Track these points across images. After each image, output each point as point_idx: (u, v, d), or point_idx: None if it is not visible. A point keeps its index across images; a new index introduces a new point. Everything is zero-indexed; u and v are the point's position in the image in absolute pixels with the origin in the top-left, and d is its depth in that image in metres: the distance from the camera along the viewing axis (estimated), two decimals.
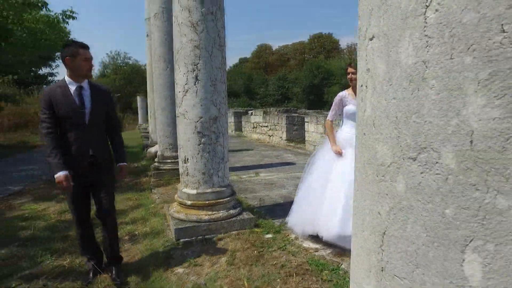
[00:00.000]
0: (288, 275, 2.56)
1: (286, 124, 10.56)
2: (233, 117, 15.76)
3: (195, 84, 3.39)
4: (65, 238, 3.44)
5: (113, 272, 2.59)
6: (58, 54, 12.47)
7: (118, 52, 38.78)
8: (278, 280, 2.50)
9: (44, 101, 2.39)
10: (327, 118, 3.38)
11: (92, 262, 2.65)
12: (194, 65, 3.36)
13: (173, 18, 3.47)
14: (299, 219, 3.21)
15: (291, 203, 4.06)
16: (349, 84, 3.24)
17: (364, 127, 0.79)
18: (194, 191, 3.48)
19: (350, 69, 3.15)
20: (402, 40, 0.64)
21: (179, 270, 2.73)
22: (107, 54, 59.09)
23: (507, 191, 0.52)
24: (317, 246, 3.05)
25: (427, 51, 0.59)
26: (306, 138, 9.59)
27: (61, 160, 2.34)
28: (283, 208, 4.20)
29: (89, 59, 2.49)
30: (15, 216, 4.22)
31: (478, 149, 0.54)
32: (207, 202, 3.47)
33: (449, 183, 0.58)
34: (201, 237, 3.32)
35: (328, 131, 3.30)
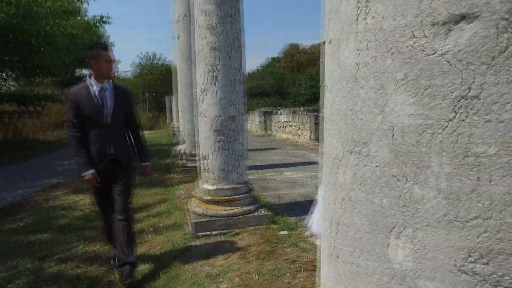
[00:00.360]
0: (298, 270, 2.62)
1: (313, 123, 10.50)
2: (261, 117, 15.90)
3: (214, 84, 3.53)
4: (96, 227, 3.74)
5: (124, 274, 2.49)
6: None
7: (154, 53, 40.46)
8: (288, 274, 2.57)
9: (70, 101, 2.51)
10: None
11: (116, 250, 2.80)
12: (213, 66, 3.50)
13: (194, 21, 3.64)
14: (315, 218, 3.19)
15: (310, 201, 4.09)
16: None
17: (325, 123, 0.87)
18: (213, 187, 3.63)
19: None
20: (345, 44, 0.71)
21: (195, 261, 2.89)
22: (138, 55, 61.79)
23: (421, 182, 0.58)
24: None
25: (359, 54, 0.65)
26: None
27: (87, 159, 2.49)
28: (301, 206, 4.25)
29: (110, 60, 2.54)
30: (55, 206, 4.64)
31: (397, 143, 0.60)
32: (225, 197, 3.61)
33: (379, 175, 0.64)
34: (218, 231, 3.46)
35: None
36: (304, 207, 4.25)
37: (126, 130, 2.71)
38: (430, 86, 0.55)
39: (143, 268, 2.78)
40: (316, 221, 3.07)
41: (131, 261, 2.54)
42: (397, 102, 0.59)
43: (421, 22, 0.55)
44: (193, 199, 4.00)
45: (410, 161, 0.59)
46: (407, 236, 0.60)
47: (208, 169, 3.68)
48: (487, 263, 0.54)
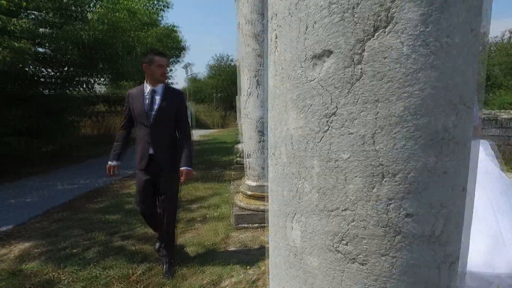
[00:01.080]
0: None
1: None
2: None
3: (257, 88, 3.80)
4: None
5: (165, 266, 2.71)
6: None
7: (221, 54, 42.49)
8: None
9: (125, 101, 2.73)
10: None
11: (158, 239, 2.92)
12: (256, 71, 3.77)
13: (239, 30, 3.95)
14: None
15: None
16: None
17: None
18: (254, 183, 3.91)
19: None
20: (268, 70, 0.90)
21: (231, 248, 3.20)
22: (212, 57, 65.25)
23: (309, 179, 0.75)
24: None
25: (275, 78, 0.84)
26: None
27: (118, 151, 2.72)
28: None
29: (163, 65, 2.60)
30: (125, 193, 5.42)
31: (295, 148, 0.78)
32: (265, 193, 3.85)
33: (283, 172, 0.82)
34: (257, 224, 3.72)
35: None
36: None
37: (174, 133, 2.73)
38: (311, 105, 0.72)
39: (189, 250, 3.18)
40: None
41: (169, 259, 2.75)
42: (292, 117, 0.77)
43: (304, 56, 0.72)
44: (238, 193, 4.33)
45: (300, 163, 0.76)
46: (298, 220, 0.78)
47: (250, 167, 3.97)
48: (347, 244, 0.70)
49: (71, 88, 8.71)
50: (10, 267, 2.85)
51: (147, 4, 8.40)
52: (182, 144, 2.69)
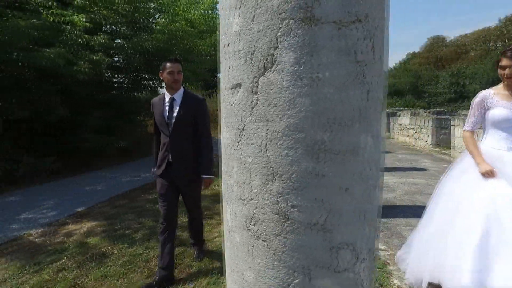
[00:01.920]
0: None
1: (432, 127, 9.46)
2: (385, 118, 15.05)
3: None
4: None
5: (195, 252, 3.09)
6: None
7: None
8: None
9: (151, 109, 2.76)
10: (464, 128, 2.52)
11: (160, 271, 2.59)
12: None
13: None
14: (414, 265, 2.38)
15: (388, 207, 4.13)
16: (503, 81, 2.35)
17: None
18: None
19: (505, 61, 2.26)
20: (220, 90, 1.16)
21: None
22: None
23: (232, 175, 1.00)
24: (381, 246, 3.14)
25: (218, 102, 1.10)
26: (451, 144, 8.37)
27: (155, 159, 2.76)
28: (388, 209, 4.29)
29: (172, 72, 2.54)
30: None
31: (225, 153, 1.03)
32: None
33: (225, 169, 1.08)
34: None
35: (468, 145, 2.41)
36: (390, 210, 4.26)
37: (195, 140, 2.67)
38: (231, 122, 0.98)
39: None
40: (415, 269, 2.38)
41: (199, 248, 3.09)
42: (224, 130, 1.03)
43: (229, 86, 0.98)
44: None
45: (228, 163, 1.02)
46: (229, 206, 1.04)
47: None
48: (254, 225, 0.94)
49: (138, 92, 9.84)
50: (79, 239, 3.53)
51: (204, 13, 9.07)
52: (202, 151, 2.67)
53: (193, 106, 2.65)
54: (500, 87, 2.38)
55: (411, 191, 5.12)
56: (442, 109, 13.46)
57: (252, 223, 0.95)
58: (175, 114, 2.60)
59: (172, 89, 2.62)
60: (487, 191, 2.16)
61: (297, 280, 0.93)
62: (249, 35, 0.89)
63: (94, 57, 6.52)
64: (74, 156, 8.01)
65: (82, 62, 6.15)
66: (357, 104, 0.89)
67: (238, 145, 0.96)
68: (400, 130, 12.53)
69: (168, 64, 2.58)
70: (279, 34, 0.84)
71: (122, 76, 9.50)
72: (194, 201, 2.88)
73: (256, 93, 0.89)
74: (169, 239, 2.64)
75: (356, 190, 0.92)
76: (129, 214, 4.38)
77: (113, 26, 8.48)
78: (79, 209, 4.63)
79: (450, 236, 2.19)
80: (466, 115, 3.46)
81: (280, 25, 0.84)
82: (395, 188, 5.42)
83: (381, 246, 3.17)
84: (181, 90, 2.67)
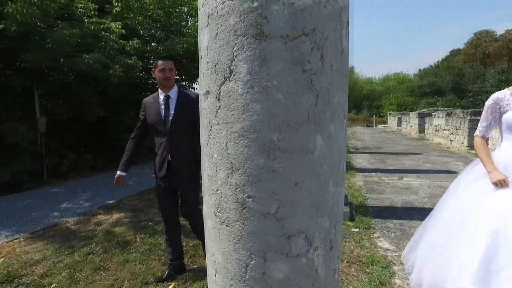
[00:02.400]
0: (342, 260, 2.94)
1: (468, 128, 8.99)
2: (417, 119, 14.47)
3: None
4: None
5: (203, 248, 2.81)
6: None
7: None
8: None
9: (141, 111, 2.66)
10: (476, 133, 2.39)
11: (170, 262, 2.75)
12: None
13: None
14: (418, 269, 2.30)
15: (406, 208, 4.10)
16: None
17: None
18: None
19: None
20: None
21: None
22: None
23: (205, 170, 1.16)
24: (390, 247, 3.14)
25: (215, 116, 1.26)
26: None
27: (125, 162, 2.66)
28: (392, 211, 4.25)
29: (164, 70, 2.50)
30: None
31: (203, 150, 1.19)
32: None
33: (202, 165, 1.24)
34: None
35: (479, 151, 2.28)
36: (396, 212, 4.22)
37: (193, 138, 2.62)
38: (204, 124, 1.13)
39: None
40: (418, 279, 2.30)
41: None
42: (201, 131, 1.19)
43: (204, 91, 1.14)
44: None
45: (203, 159, 1.18)
46: (205, 195, 1.20)
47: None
48: (220, 212, 1.09)
49: None
50: (107, 228, 3.89)
51: None
52: (199, 148, 2.59)
53: (190, 103, 2.60)
54: None
55: (434, 194, 4.98)
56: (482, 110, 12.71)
57: (218, 211, 1.10)
58: (171, 112, 2.56)
59: (164, 87, 2.57)
60: (497, 203, 1.99)
61: (253, 262, 1.06)
62: (214, 49, 1.04)
63: (128, 61, 7.00)
64: (111, 153, 8.62)
65: (117, 66, 6.63)
66: (306, 109, 1.00)
67: (208, 144, 1.11)
68: (435, 131, 11.98)
69: (160, 62, 2.54)
70: (235, 48, 0.99)
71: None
72: (193, 204, 2.67)
73: (219, 99, 1.04)
74: (174, 237, 2.75)
75: (307, 185, 1.04)
76: (153, 208, 4.70)
77: (147, 31, 9.00)
78: (110, 202, 5.04)
79: (455, 249, 2.05)
80: None
81: (236, 41, 0.98)
82: (418, 190, 5.29)
83: (391, 247, 3.17)
84: (175, 88, 2.63)
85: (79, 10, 6.65)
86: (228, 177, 1.05)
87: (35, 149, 6.69)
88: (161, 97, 2.60)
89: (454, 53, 42.20)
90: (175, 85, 2.65)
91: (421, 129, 14.08)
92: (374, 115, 33.06)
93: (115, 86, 7.42)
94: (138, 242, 3.46)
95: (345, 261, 2.91)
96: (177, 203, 2.78)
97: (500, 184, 2.04)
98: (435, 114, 12.42)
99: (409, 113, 16.84)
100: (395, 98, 34.81)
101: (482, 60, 35.75)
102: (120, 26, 6.79)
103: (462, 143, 9.43)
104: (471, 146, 9.10)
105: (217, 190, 1.09)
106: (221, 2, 1.01)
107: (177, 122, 2.56)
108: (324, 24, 1.01)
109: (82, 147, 8.23)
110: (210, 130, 1.09)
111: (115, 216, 4.36)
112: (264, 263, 1.06)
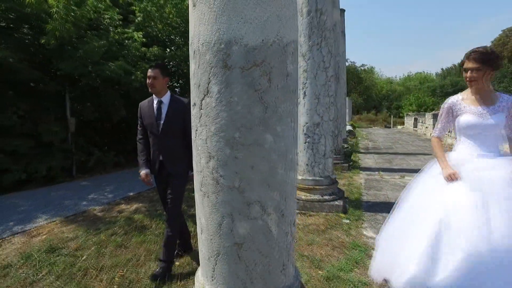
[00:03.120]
0: (327, 245, 3.36)
1: None
2: (431, 120, 14.46)
3: (303, 98, 4.53)
4: None
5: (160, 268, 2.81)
6: None
7: None
8: (315, 245, 3.36)
9: (138, 113, 2.90)
10: (433, 134, 2.58)
11: (180, 249, 3.18)
12: (303, 84, 4.50)
13: None
14: (379, 265, 2.39)
15: (392, 204, 4.44)
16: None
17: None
18: (299, 177, 4.65)
19: (468, 64, 2.25)
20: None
21: None
22: None
23: (195, 157, 1.64)
24: (374, 235, 3.52)
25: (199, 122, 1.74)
26: None
27: (144, 161, 2.83)
28: (385, 206, 4.58)
29: (149, 76, 2.70)
30: None
31: (195, 142, 1.67)
32: (307, 186, 4.55)
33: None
34: (298, 210, 4.46)
35: (435, 150, 2.46)
36: (388, 207, 4.56)
37: (184, 140, 2.78)
38: (193, 125, 1.62)
39: None
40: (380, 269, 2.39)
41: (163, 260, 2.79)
42: (192, 131, 1.68)
43: (193, 103, 1.62)
44: None
45: (194, 151, 1.66)
46: (194, 177, 1.68)
47: (297, 163, 4.72)
48: (203, 187, 1.57)
49: (187, 93, 10.97)
50: (127, 215, 4.46)
51: None
52: (190, 150, 2.65)
53: (181, 108, 2.78)
54: (468, 91, 2.34)
55: None
56: None
57: (201, 186, 1.58)
58: (163, 115, 2.76)
59: (157, 93, 2.77)
60: (444, 196, 2.16)
61: (225, 221, 1.53)
62: (197, 75, 1.53)
63: (147, 66, 7.64)
64: (133, 151, 9.31)
65: (138, 72, 7.28)
66: (257, 116, 1.46)
67: (195, 139, 1.60)
68: (448, 132, 12.01)
69: (148, 70, 2.78)
70: (210, 75, 1.46)
71: (173, 80, 10.70)
72: (176, 195, 2.80)
73: (201, 109, 1.52)
74: (180, 225, 3.04)
75: (260, 168, 1.50)
76: None
77: (166, 37, 9.65)
78: (131, 194, 5.65)
79: (407, 240, 2.20)
80: None
81: (211, 70, 1.46)
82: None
83: (374, 235, 3.55)
84: (168, 93, 2.82)
85: (105, 20, 7.35)
86: (207, 162, 1.52)
87: (66, 147, 7.44)
88: (155, 101, 2.80)
89: None
90: (168, 91, 2.84)
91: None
92: (392, 116, 32.65)
93: (137, 90, 8.09)
94: (154, 226, 4.01)
95: (330, 245, 3.32)
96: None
97: (451, 177, 2.20)
98: None
99: (425, 114, 16.75)
100: (415, 99, 34.20)
101: (510, 58, 34.44)
102: (141, 35, 7.44)
103: None
104: None
105: (201, 171, 1.57)
106: (201, 44, 1.49)
107: (168, 126, 2.75)
108: (270, 57, 1.46)
109: (106, 145, 8.97)
110: (196, 130, 1.57)
111: (135, 205, 4.94)
112: (232, 222, 1.52)
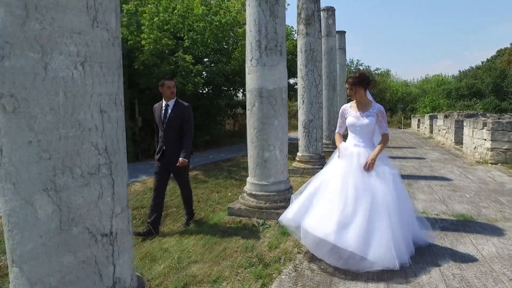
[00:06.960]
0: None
1: (455, 127, 11.32)
2: (428, 120, 16.60)
3: (302, 104, 7.12)
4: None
5: (186, 219, 4.17)
6: None
7: (352, 59, 43.93)
8: None
9: (153, 113, 3.93)
10: (336, 130, 3.43)
11: (149, 225, 3.76)
12: (302, 95, 7.09)
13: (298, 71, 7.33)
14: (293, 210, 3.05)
15: None
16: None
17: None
18: (300, 154, 7.24)
19: (346, 85, 3.15)
20: None
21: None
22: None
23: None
24: None
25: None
26: (463, 141, 10.27)
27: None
28: None
29: (170, 86, 3.65)
30: (232, 165, 9.54)
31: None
32: (304, 159, 7.14)
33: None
34: (299, 175, 7.04)
35: (336, 141, 3.33)
36: None
37: (183, 135, 3.74)
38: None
39: None
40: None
41: (188, 217, 4.14)
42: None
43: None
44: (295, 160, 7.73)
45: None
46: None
47: (299, 144, 7.32)
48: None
49: (219, 99, 13.79)
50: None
51: None
52: (183, 142, 3.72)
53: (181, 111, 3.75)
54: (353, 101, 3.21)
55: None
56: (477, 112, 14.57)
57: (251, 140, 4.24)
58: (168, 116, 3.72)
59: (167, 98, 3.73)
60: (329, 168, 3.12)
61: (259, 152, 4.17)
62: (251, 99, 4.18)
63: (196, 79, 10.46)
64: None
65: (190, 84, 10.11)
66: (271, 114, 4.10)
67: (248, 122, 4.27)
68: (438, 131, 14.18)
69: (167, 82, 3.67)
70: (255, 99, 4.13)
71: (208, 88, 13.55)
72: (182, 176, 3.93)
73: (251, 111, 4.19)
74: (157, 205, 3.77)
75: (273, 133, 4.15)
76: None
77: (206, 56, 12.50)
78: None
79: (304, 192, 3.07)
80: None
81: (255, 97, 4.12)
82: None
83: None
84: (174, 98, 3.78)
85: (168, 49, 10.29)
86: (253, 131, 4.17)
87: (135, 138, 10.35)
88: (163, 104, 3.77)
89: (501, 52, 40.39)
90: (175, 97, 3.79)
91: (431, 130, 16.15)
92: (402, 117, 34.11)
93: (187, 96, 10.94)
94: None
95: None
96: (167, 181, 3.88)
97: (339, 156, 3.08)
98: (438, 116, 14.57)
99: (424, 115, 18.81)
100: (430, 101, 35.26)
101: None
102: (191, 57, 10.28)
103: (452, 140, 11.65)
104: (456, 142, 11.33)
105: (252, 135, 4.22)
106: (252, 87, 4.14)
107: (170, 124, 3.72)
108: (276, 93, 4.12)
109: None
110: (249, 120, 4.22)
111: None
112: (262, 152, 4.16)
